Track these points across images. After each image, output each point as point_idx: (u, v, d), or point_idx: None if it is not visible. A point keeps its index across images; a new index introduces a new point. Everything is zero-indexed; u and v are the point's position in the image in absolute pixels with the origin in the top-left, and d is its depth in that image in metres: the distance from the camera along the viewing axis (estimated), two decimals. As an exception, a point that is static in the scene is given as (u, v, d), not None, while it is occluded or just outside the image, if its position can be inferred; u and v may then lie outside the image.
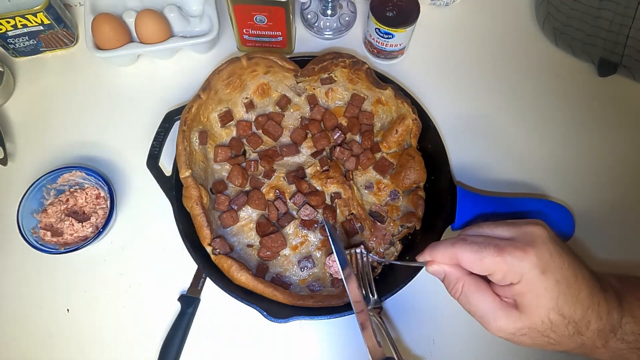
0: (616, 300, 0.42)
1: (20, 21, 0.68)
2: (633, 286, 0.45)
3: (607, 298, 0.42)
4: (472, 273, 0.43)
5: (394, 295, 0.56)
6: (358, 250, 0.57)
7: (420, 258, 0.47)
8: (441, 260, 0.44)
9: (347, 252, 0.57)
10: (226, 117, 0.67)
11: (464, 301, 0.44)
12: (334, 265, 0.59)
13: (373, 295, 0.55)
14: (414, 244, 0.63)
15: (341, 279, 0.58)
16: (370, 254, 0.57)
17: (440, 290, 0.63)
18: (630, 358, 0.43)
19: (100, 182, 0.64)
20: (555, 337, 0.41)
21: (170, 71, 0.76)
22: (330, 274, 0.60)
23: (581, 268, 0.42)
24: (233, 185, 0.65)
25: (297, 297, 0.57)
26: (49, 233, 0.62)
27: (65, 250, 0.60)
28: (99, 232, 0.61)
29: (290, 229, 0.63)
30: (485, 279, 0.43)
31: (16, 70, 0.75)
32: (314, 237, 0.63)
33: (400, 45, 0.73)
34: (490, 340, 0.61)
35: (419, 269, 0.57)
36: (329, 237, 0.54)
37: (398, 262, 0.57)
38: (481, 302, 0.42)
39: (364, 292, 0.54)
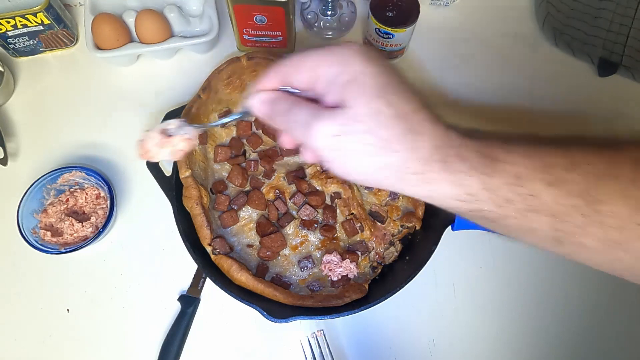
0: (456, 130, 0.34)
1: (20, 21, 0.68)
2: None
3: (445, 125, 0.34)
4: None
5: (394, 296, 0.56)
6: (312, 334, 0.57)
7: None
8: (262, 87, 0.37)
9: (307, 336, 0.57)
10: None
11: (285, 124, 0.36)
12: (330, 265, 0.59)
13: None
14: (414, 244, 0.63)
15: (340, 280, 0.59)
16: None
17: (440, 290, 0.64)
18: (515, 199, 0.33)
19: (100, 182, 0.64)
20: (385, 135, 0.32)
21: (170, 71, 0.76)
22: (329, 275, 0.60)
23: (412, 87, 0.35)
24: (233, 185, 0.65)
25: (297, 297, 0.57)
26: (49, 233, 0.62)
27: (65, 250, 0.60)
28: (99, 232, 0.61)
29: (290, 229, 0.63)
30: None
31: (16, 70, 0.75)
32: (314, 237, 0.63)
33: (400, 45, 0.73)
34: (490, 340, 0.61)
35: (418, 269, 0.57)
36: None
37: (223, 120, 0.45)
38: (301, 110, 0.35)
39: None
